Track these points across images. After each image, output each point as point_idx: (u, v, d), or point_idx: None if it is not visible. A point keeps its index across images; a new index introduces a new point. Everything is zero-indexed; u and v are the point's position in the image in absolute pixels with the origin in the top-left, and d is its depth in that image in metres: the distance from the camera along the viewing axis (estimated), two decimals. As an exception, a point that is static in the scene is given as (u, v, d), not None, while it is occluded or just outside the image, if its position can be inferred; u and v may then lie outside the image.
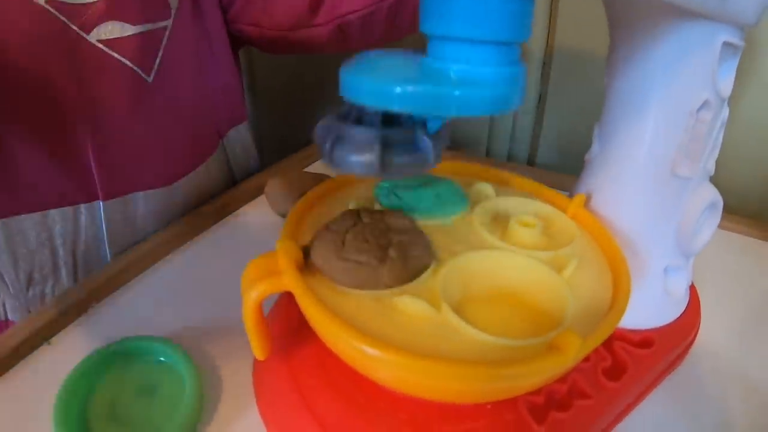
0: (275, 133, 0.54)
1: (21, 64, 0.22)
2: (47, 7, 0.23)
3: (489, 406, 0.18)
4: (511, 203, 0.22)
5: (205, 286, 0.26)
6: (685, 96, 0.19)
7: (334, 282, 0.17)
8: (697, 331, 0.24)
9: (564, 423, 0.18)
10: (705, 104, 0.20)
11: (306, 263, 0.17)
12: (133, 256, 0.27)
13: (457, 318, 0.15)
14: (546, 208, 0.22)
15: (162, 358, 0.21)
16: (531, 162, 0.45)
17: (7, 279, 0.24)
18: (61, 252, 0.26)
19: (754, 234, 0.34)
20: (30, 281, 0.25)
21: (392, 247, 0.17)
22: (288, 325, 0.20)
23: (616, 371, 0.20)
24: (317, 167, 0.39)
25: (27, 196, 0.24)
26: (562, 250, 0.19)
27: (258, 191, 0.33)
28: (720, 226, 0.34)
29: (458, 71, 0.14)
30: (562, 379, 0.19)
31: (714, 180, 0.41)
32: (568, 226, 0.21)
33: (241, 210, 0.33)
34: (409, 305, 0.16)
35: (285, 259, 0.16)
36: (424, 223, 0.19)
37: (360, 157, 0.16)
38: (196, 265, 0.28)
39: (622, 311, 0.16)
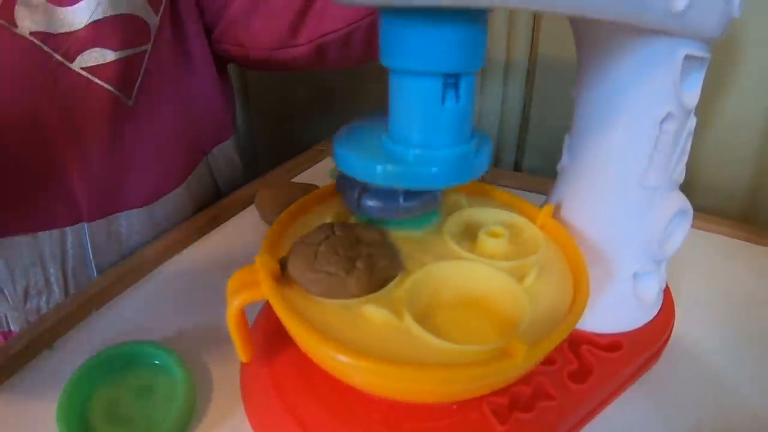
0: (269, 140, 0.56)
1: (6, 94, 0.24)
2: (31, 38, 0.24)
3: (455, 407, 0.19)
4: (482, 214, 0.23)
5: (198, 294, 0.28)
6: (648, 109, 0.20)
7: (308, 291, 0.18)
8: (670, 334, 0.25)
9: (526, 423, 0.19)
10: (668, 116, 0.20)
11: (283, 274, 0.19)
12: (128, 265, 0.28)
13: (417, 326, 0.17)
14: (516, 219, 0.23)
15: (157, 361, 0.23)
16: (518, 167, 0.46)
17: (6, 293, 0.26)
18: (51, 270, 0.27)
19: (738, 236, 0.34)
20: (26, 295, 0.27)
21: (360, 259, 0.18)
22: (271, 331, 0.22)
23: (581, 374, 0.21)
24: (305, 177, 0.41)
25: (17, 219, 0.26)
26: (525, 260, 0.20)
27: (248, 201, 0.35)
28: (704, 228, 0.35)
29: (415, 155, 0.17)
30: (527, 381, 0.20)
31: (698, 182, 0.41)
32: (536, 236, 0.22)
33: (232, 220, 0.34)
34: (373, 313, 0.17)
35: (263, 271, 0.18)
36: (396, 234, 0.21)
37: (383, 204, 0.20)
38: (189, 273, 0.29)
39: (575, 320, 0.17)
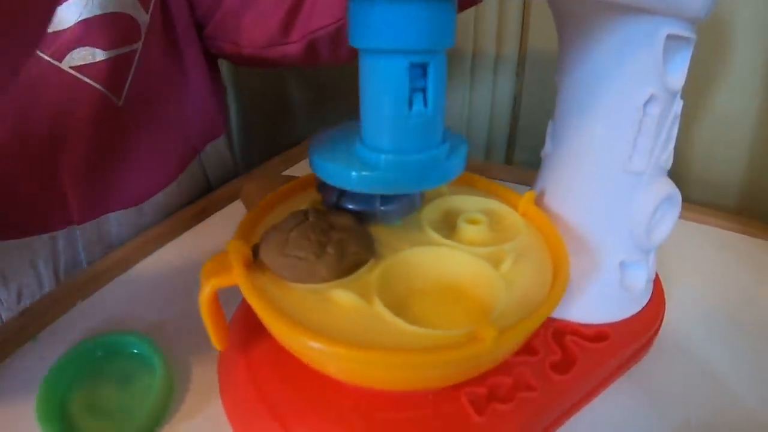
0: (261, 135, 0.56)
1: None
2: None
3: (431, 396, 0.18)
4: (463, 202, 0.23)
5: (181, 285, 0.27)
6: (630, 91, 0.20)
7: (279, 276, 0.18)
8: (660, 325, 0.24)
9: (505, 414, 0.18)
10: (652, 98, 0.20)
11: (256, 260, 0.19)
12: (114, 258, 0.28)
13: (386, 310, 0.16)
14: (496, 206, 0.22)
15: (136, 351, 0.23)
16: (509, 161, 0.45)
17: (0, 295, 0.26)
18: (43, 272, 0.27)
19: (733, 228, 0.33)
20: (20, 296, 0.27)
21: (330, 244, 0.18)
22: (249, 320, 0.22)
23: (564, 365, 0.20)
24: (295, 171, 0.41)
25: (7, 224, 0.26)
26: (503, 246, 0.20)
27: (235, 195, 0.35)
28: (698, 221, 0.35)
29: (386, 161, 0.17)
30: (507, 372, 0.19)
31: (692, 175, 0.40)
32: (517, 223, 0.21)
33: (218, 213, 0.34)
34: (342, 297, 0.17)
35: (234, 256, 0.18)
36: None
37: (361, 207, 0.19)
38: (173, 266, 0.29)
39: (551, 307, 0.17)
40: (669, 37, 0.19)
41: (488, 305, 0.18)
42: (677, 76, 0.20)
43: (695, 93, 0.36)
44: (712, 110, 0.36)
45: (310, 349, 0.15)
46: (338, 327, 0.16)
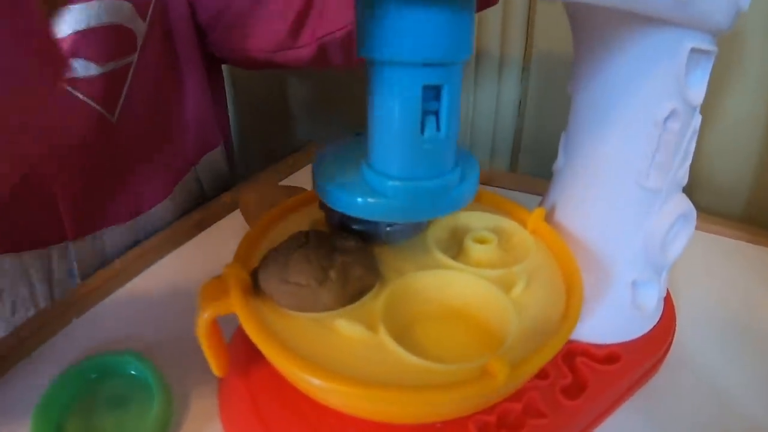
0: (260, 141, 0.55)
1: None
2: None
3: (439, 425, 0.18)
4: (470, 218, 0.22)
5: (179, 302, 0.27)
6: (650, 106, 0.19)
7: (278, 304, 0.17)
8: (670, 344, 0.23)
9: (515, 443, 0.18)
10: (672, 113, 0.19)
11: (255, 285, 0.18)
12: (110, 272, 0.28)
13: (392, 342, 0.16)
14: (505, 223, 0.22)
15: (133, 372, 0.22)
16: (513, 168, 0.44)
17: None
18: (37, 285, 0.27)
19: (742, 237, 0.32)
20: (14, 309, 0.27)
21: (333, 269, 0.17)
22: (249, 342, 0.21)
23: (575, 389, 0.20)
24: (294, 179, 0.40)
25: (5, 240, 0.25)
26: (513, 268, 0.19)
27: (233, 206, 0.34)
28: (706, 230, 0.34)
29: (394, 188, 0.16)
30: (517, 398, 0.19)
31: (701, 183, 0.39)
32: (526, 242, 0.21)
33: (216, 225, 0.33)
34: (345, 328, 0.16)
35: (231, 283, 0.17)
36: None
37: (367, 228, 0.19)
38: (170, 281, 0.28)
39: (565, 336, 0.16)
40: (693, 51, 0.18)
41: (499, 332, 0.17)
42: (698, 90, 0.19)
43: (705, 100, 0.35)
44: (719, 117, 0.35)
45: (312, 385, 0.15)
46: (342, 360, 0.15)
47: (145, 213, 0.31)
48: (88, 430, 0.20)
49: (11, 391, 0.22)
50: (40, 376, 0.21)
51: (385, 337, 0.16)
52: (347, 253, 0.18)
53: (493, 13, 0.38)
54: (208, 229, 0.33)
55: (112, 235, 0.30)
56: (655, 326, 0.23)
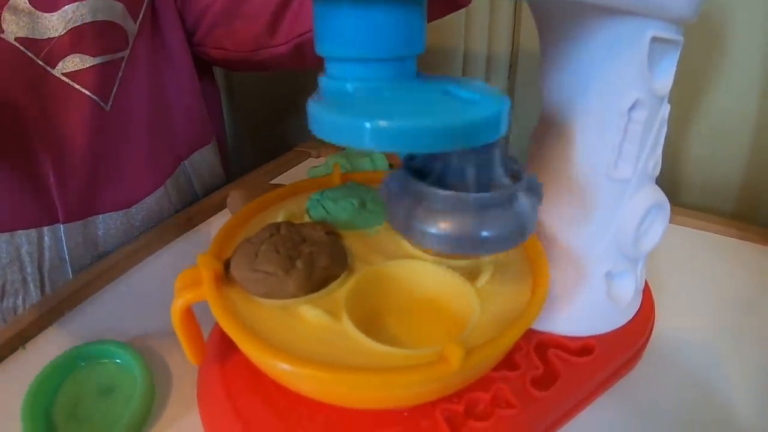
0: (255, 141, 0.56)
1: None
2: (15, 44, 0.25)
3: (406, 413, 0.18)
4: (443, 211, 0.22)
5: (167, 296, 0.27)
6: (615, 96, 0.19)
7: (248, 292, 0.18)
8: (649, 336, 0.23)
9: (481, 432, 0.18)
10: (637, 103, 0.19)
11: (227, 274, 0.18)
12: (101, 267, 0.29)
13: (353, 328, 0.16)
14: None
15: (119, 360, 0.23)
16: None
17: None
18: (28, 269, 0.28)
19: (731, 234, 0.32)
20: (3, 293, 0.28)
21: (300, 258, 0.17)
22: (225, 334, 0.21)
23: (546, 380, 0.20)
24: (285, 178, 0.40)
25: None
26: (481, 259, 0.19)
27: (223, 204, 0.35)
28: (695, 226, 0.33)
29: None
30: (486, 388, 0.19)
31: (689, 179, 0.39)
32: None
33: (206, 222, 0.34)
34: (309, 314, 0.16)
35: (204, 271, 0.18)
36: (348, 233, 0.20)
37: (447, 229, 0.13)
38: (160, 276, 0.29)
39: (525, 325, 0.16)
40: (654, 40, 0.18)
41: (463, 321, 0.17)
42: (664, 81, 0.19)
43: (692, 95, 0.35)
44: (709, 113, 0.35)
45: (276, 368, 0.15)
46: (305, 345, 0.16)
47: (137, 206, 0.32)
48: (74, 414, 0.21)
49: (6, 380, 0.23)
50: (33, 366, 0.22)
51: (347, 324, 0.16)
52: (315, 244, 0.18)
53: (480, 13, 0.39)
54: (198, 227, 0.34)
55: (106, 225, 0.31)
56: (632, 319, 0.23)
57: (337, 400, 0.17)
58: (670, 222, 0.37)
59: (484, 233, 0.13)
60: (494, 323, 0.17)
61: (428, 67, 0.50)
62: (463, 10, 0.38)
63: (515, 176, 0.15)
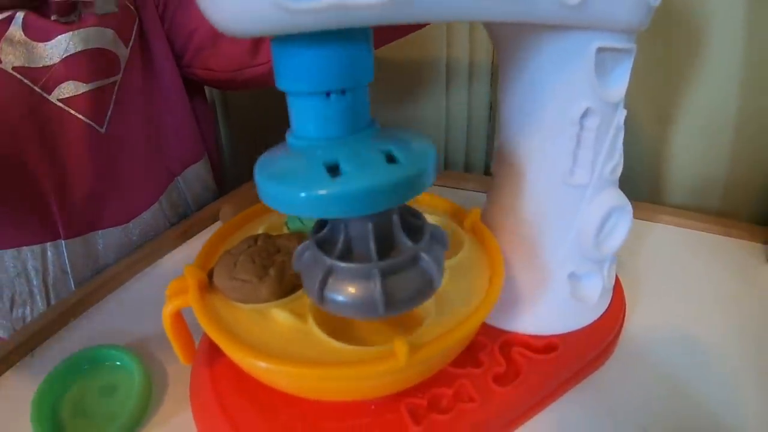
0: (251, 155, 0.59)
1: None
2: (13, 73, 0.27)
3: (373, 406, 0.19)
4: (412, 218, 0.24)
5: (163, 303, 0.30)
6: (565, 105, 0.20)
7: (228, 298, 0.19)
8: (618, 333, 0.24)
9: (443, 425, 0.19)
10: (588, 111, 0.20)
11: (211, 283, 0.21)
12: (102, 278, 0.31)
13: (316, 328, 0.18)
14: (444, 222, 0.23)
15: (119, 363, 0.25)
16: (488, 172, 0.45)
17: None
18: (34, 281, 0.30)
19: (716, 231, 0.32)
20: (13, 304, 0.30)
21: (273, 267, 0.19)
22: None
23: (507, 377, 0.21)
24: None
25: (4, 235, 0.29)
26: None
27: (217, 217, 0.37)
28: (679, 224, 0.34)
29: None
30: (449, 383, 0.20)
31: (674, 177, 0.39)
32: (461, 239, 0.22)
33: (200, 234, 0.37)
34: (279, 317, 0.18)
35: (189, 280, 0.20)
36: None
37: (358, 297, 0.14)
38: (156, 285, 0.31)
39: (473, 324, 0.17)
40: (602, 50, 0.19)
41: (421, 319, 0.19)
42: (617, 88, 0.20)
43: (674, 94, 0.35)
44: (691, 112, 0.35)
45: (249, 364, 0.17)
46: (276, 344, 0.17)
47: (135, 221, 0.34)
48: (79, 412, 0.23)
49: (15, 383, 0.25)
50: (41, 369, 0.24)
51: (312, 325, 0.18)
52: (288, 254, 0.20)
53: (461, 24, 0.40)
54: (192, 239, 0.36)
55: (106, 240, 0.33)
56: (600, 317, 0.24)
57: (308, 393, 0.19)
58: (653, 221, 0.37)
59: (394, 297, 0.15)
60: (447, 323, 0.18)
61: (414, 77, 0.51)
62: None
63: (417, 231, 0.16)
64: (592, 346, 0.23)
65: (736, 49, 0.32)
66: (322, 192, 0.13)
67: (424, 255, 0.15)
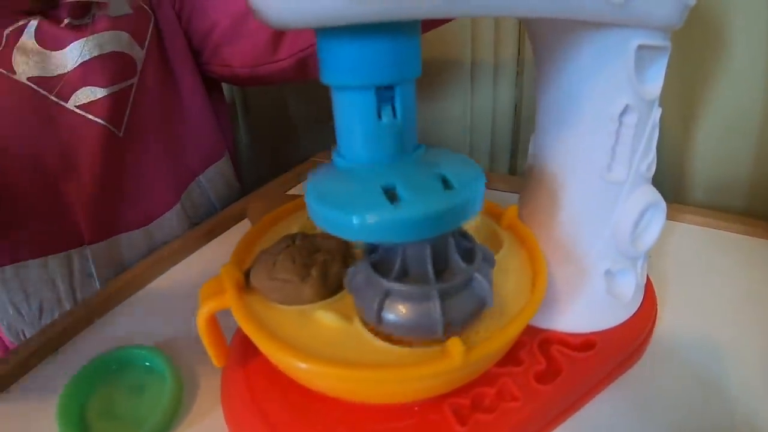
0: (271, 152, 0.58)
1: (8, 134, 0.26)
2: (29, 83, 0.27)
3: (416, 408, 0.19)
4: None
5: (191, 303, 0.29)
6: (605, 102, 0.20)
7: (267, 299, 0.19)
8: (650, 331, 0.24)
9: (487, 424, 0.19)
10: (627, 109, 0.20)
11: (248, 283, 0.20)
12: (127, 277, 0.31)
13: (365, 330, 0.17)
14: (481, 220, 0.23)
15: (148, 363, 0.24)
16: (513, 171, 0.45)
17: (22, 311, 0.29)
18: (61, 288, 0.30)
19: (740, 230, 0.32)
20: (41, 311, 0.30)
21: (315, 267, 0.19)
22: (246, 338, 0.23)
23: (549, 375, 0.21)
24: (298, 189, 0.42)
25: (27, 246, 0.28)
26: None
27: (241, 215, 0.37)
28: (703, 224, 0.34)
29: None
30: (491, 383, 0.20)
31: (698, 176, 0.39)
32: (500, 237, 0.22)
33: (225, 233, 0.36)
34: (324, 318, 0.18)
35: (227, 280, 0.19)
36: (358, 243, 0.21)
37: (417, 319, 0.15)
38: (183, 284, 0.31)
39: (522, 323, 0.17)
40: (641, 48, 0.19)
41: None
42: (653, 86, 0.20)
43: (698, 93, 0.35)
44: (715, 110, 0.35)
45: (294, 367, 0.17)
46: (321, 346, 0.17)
47: (157, 222, 0.34)
48: (107, 413, 0.22)
49: (42, 381, 0.25)
50: (66, 369, 0.24)
51: (358, 326, 0.18)
52: (329, 253, 0.20)
53: (486, 22, 0.40)
54: (218, 238, 0.36)
55: (129, 243, 0.33)
56: (633, 315, 0.24)
57: (350, 395, 0.18)
58: (678, 221, 0.37)
59: (452, 318, 0.15)
60: (496, 322, 0.18)
61: (439, 76, 0.50)
62: (469, 20, 0.39)
63: (470, 253, 0.17)
64: (627, 343, 0.23)
65: (761, 48, 0.32)
66: (383, 218, 0.13)
67: (477, 275, 0.16)
